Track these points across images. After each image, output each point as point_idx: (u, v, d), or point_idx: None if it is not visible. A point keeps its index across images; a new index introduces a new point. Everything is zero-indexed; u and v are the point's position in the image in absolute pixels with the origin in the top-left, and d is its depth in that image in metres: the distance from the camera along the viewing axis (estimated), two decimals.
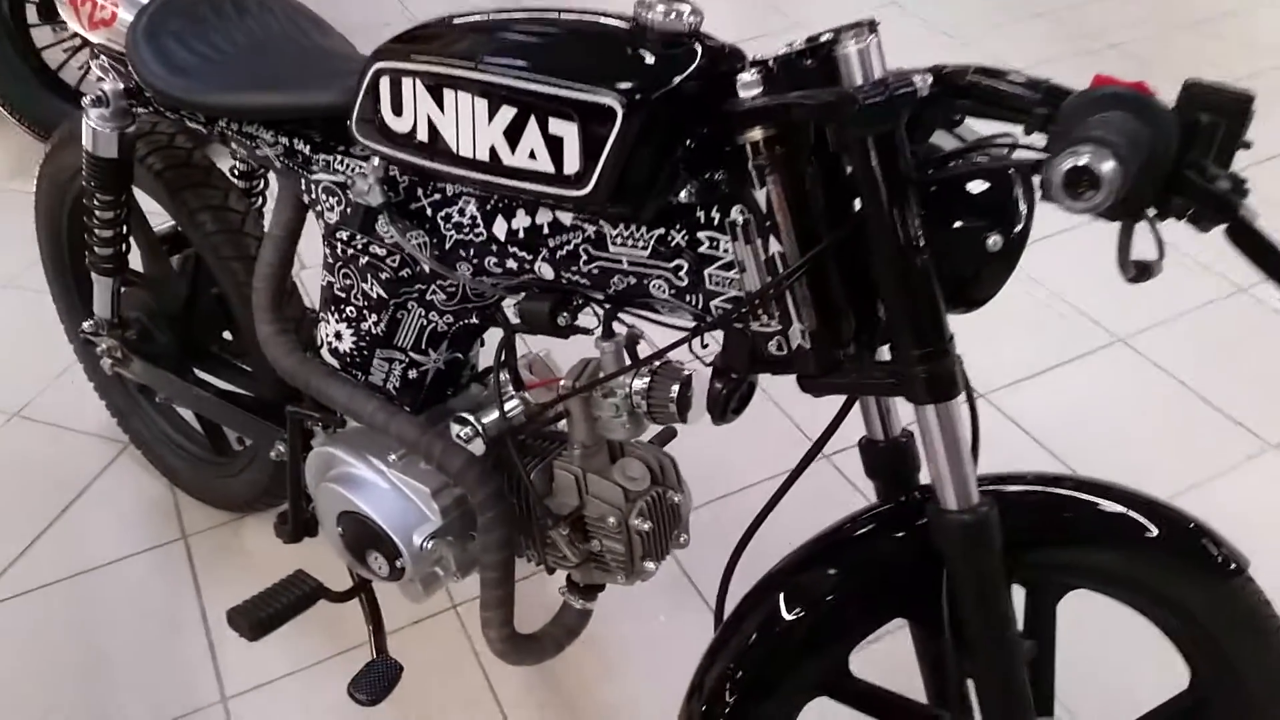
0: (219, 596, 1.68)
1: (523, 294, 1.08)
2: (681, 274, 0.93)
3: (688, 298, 0.94)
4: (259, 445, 1.58)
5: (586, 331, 1.06)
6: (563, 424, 1.14)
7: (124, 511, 1.84)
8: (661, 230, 0.93)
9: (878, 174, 0.78)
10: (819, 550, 1.01)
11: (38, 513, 1.83)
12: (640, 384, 1.02)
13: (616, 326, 1.05)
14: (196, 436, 1.80)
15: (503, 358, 1.12)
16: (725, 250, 0.90)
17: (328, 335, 1.22)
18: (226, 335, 1.67)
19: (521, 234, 1.01)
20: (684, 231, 0.91)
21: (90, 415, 2.00)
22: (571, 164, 0.87)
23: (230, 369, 1.60)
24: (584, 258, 0.98)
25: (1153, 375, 2.06)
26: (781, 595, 0.99)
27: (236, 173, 1.55)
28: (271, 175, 1.26)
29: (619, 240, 0.95)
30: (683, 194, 0.88)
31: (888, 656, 1.16)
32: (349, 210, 1.13)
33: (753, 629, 0.99)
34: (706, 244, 0.90)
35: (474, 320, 1.17)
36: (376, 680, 1.19)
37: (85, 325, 1.57)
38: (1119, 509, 0.94)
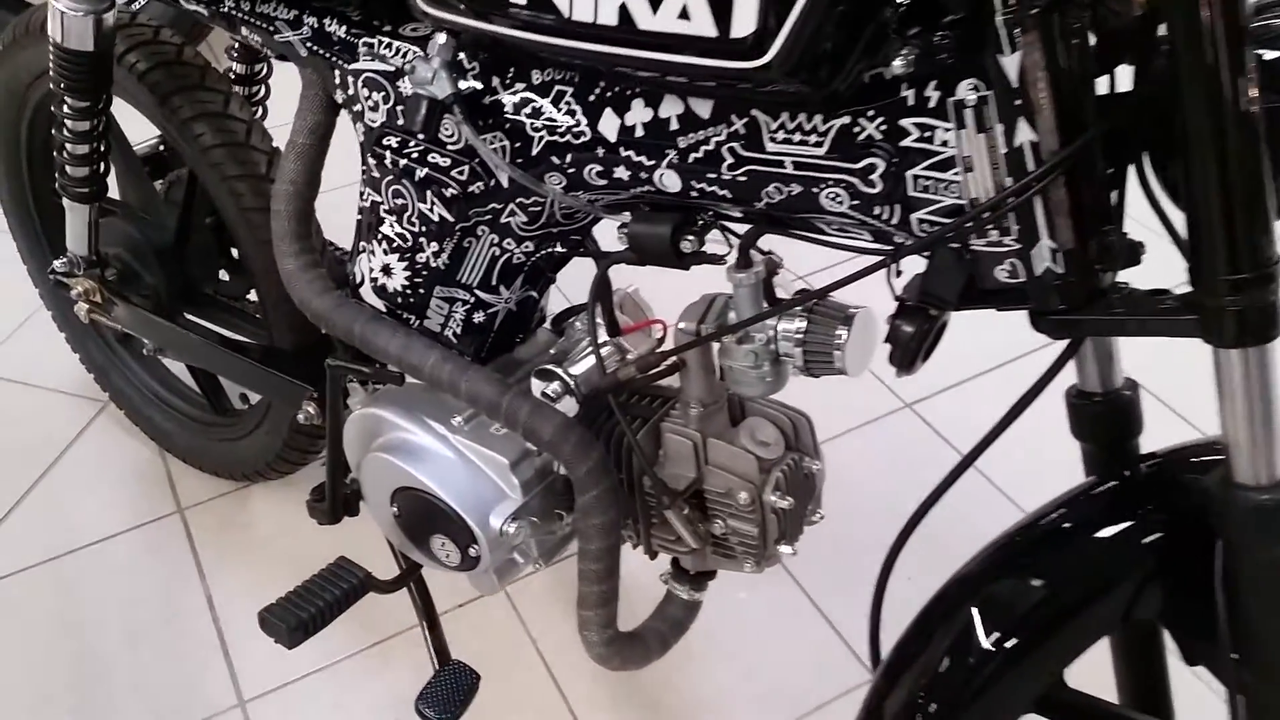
0: (226, 580, 1.47)
1: (626, 213, 0.86)
2: (873, 177, 0.72)
3: (876, 210, 0.73)
4: (272, 405, 1.36)
5: (716, 260, 0.85)
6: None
7: (108, 481, 1.62)
8: (847, 119, 0.71)
9: (1209, 12, 0.56)
10: (1021, 547, 0.82)
11: (8, 485, 1.62)
12: (793, 326, 0.82)
13: (753, 253, 0.84)
14: (190, 394, 1.58)
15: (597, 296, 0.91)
16: (942, 143, 0.68)
17: (371, 270, 1.00)
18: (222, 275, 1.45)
19: (640, 132, 0.80)
20: (881, 119, 0.70)
21: (61, 370, 1.77)
22: (744, 22, 0.65)
23: (230, 314, 1.37)
24: (728, 161, 0.77)
25: None
26: (975, 610, 0.80)
27: (233, 75, 1.31)
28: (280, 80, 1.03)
29: (783, 134, 0.74)
30: (896, 62, 0.66)
31: None
32: (403, 108, 0.90)
33: (941, 652, 0.80)
34: (915, 135, 0.69)
35: (557, 249, 0.96)
36: (449, 693, 0.99)
37: (56, 264, 1.34)
38: None
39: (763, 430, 0.92)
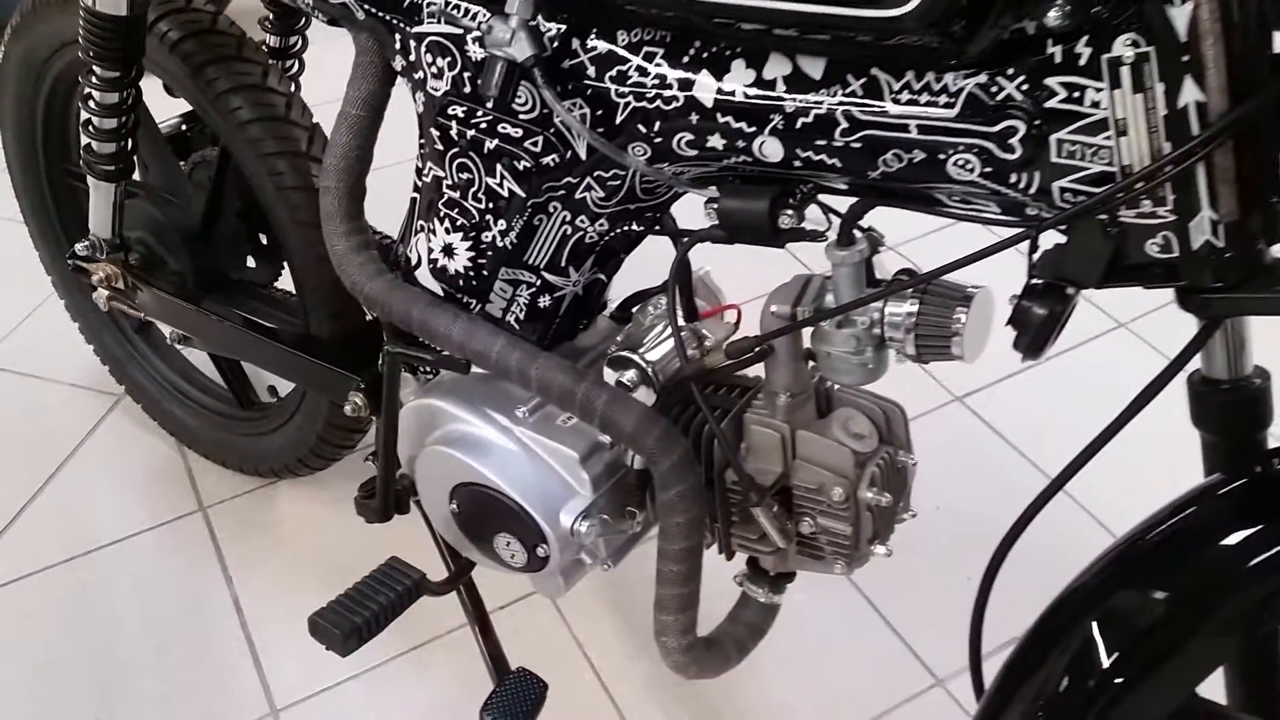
0: (253, 581, 1.42)
1: (712, 187, 0.81)
2: (1011, 142, 0.66)
3: (1012, 178, 0.68)
4: (306, 397, 1.30)
5: (815, 237, 0.79)
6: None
7: (125, 478, 1.56)
8: (983, 78, 0.66)
9: None
10: (1141, 555, 0.76)
11: (19, 482, 1.55)
12: (903, 309, 0.76)
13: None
14: (213, 387, 1.52)
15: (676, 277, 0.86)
16: (1093, 104, 0.63)
17: (431, 251, 0.94)
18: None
19: (740, 95, 0.74)
20: (1023, 78, 0.64)
21: (72, 362, 1.71)
22: None
23: (260, 300, 1.31)
24: (842, 126, 0.71)
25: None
26: (1094, 626, 0.75)
27: (265, 49, 1.25)
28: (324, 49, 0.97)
29: (908, 95, 0.68)
30: (1052, 14, 0.61)
31: None
32: (470, 74, 0.84)
33: (1059, 670, 0.75)
34: (1061, 95, 0.64)
35: (632, 227, 0.90)
36: (516, 704, 0.93)
37: (77, 248, 1.27)
38: None
39: (856, 421, 0.87)
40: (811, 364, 0.88)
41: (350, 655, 0.96)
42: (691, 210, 0.92)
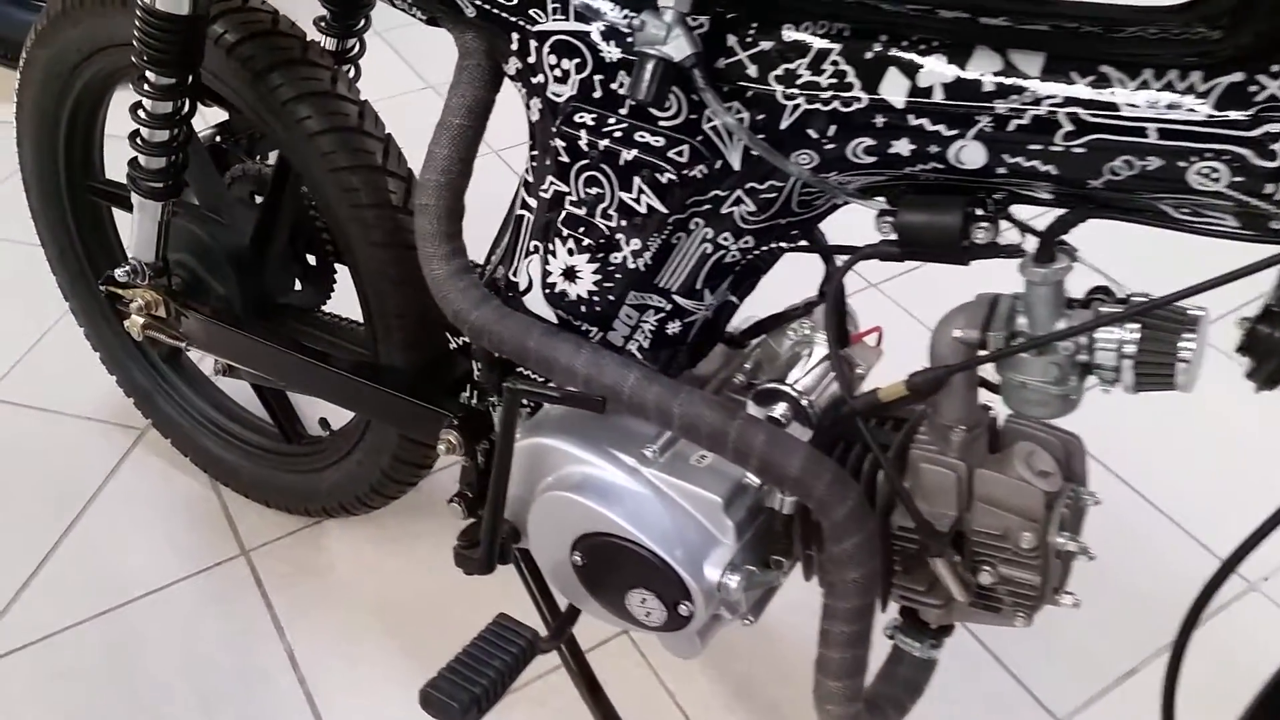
0: (307, 632, 1.33)
1: (880, 198, 0.74)
2: (1274, 148, 0.59)
3: (1268, 189, 0.61)
4: (368, 431, 1.22)
5: (1011, 253, 0.72)
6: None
7: (156, 521, 1.47)
8: (1239, 75, 0.59)
9: None
10: None
11: (39, 528, 1.46)
12: (1117, 335, 0.69)
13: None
14: (253, 420, 1.43)
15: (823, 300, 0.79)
16: None
17: (548, 274, 0.86)
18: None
19: (939, 95, 0.67)
20: None
21: (86, 395, 1.62)
22: None
23: (317, 326, 1.23)
24: (1065, 129, 0.64)
25: None
26: None
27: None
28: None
29: (1147, 95, 0.62)
30: None
31: None
32: (607, 76, 0.77)
33: None
34: None
35: (779, 244, 0.83)
36: None
37: (117, 274, 1.18)
38: None
39: (1039, 457, 0.80)
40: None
41: (417, 710, 0.88)
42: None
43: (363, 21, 1.18)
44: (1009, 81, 0.65)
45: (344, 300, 1.33)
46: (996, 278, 0.80)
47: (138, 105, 1.04)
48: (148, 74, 1.01)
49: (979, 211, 0.71)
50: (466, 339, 1.06)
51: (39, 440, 1.58)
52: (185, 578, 1.39)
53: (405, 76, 2.34)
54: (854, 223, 0.85)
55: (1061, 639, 1.34)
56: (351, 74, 1.21)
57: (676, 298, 0.85)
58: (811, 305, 0.86)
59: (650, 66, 0.72)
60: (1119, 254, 1.45)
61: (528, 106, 0.85)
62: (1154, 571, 1.40)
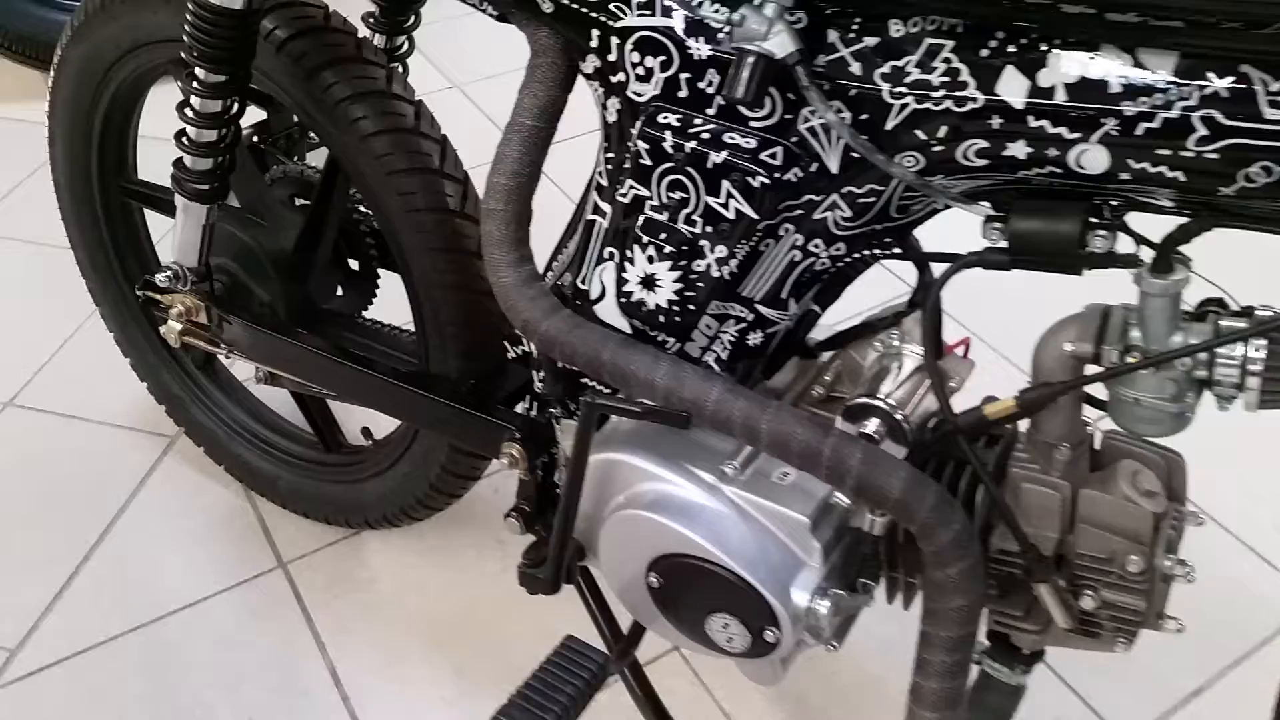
0: (350, 649, 1.29)
1: (984, 203, 0.71)
2: None
3: None
4: (415, 440, 1.19)
5: (1129, 262, 0.69)
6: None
7: (188, 531, 1.43)
8: None
9: None
10: None
11: (70, 539, 1.42)
12: (1240, 351, 0.66)
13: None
14: (290, 429, 1.40)
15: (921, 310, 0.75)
16: None
17: (624, 282, 0.83)
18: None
19: (1062, 95, 0.64)
20: None
21: (115, 401, 1.59)
22: None
23: (362, 333, 1.19)
24: (1199, 133, 0.61)
25: None
26: None
27: None
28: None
29: None
30: None
31: None
32: (695, 74, 0.74)
33: None
34: None
35: (871, 251, 0.79)
36: None
37: (159, 278, 1.15)
38: None
39: (1144, 477, 0.76)
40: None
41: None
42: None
43: (412, 18, 1.14)
44: (1138, 82, 0.62)
45: (381, 307, 1.32)
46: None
47: (184, 104, 1.00)
48: (197, 70, 0.97)
49: (1102, 218, 0.67)
50: (527, 349, 1.03)
51: (65, 448, 1.55)
52: (221, 591, 1.36)
53: (431, 76, 2.31)
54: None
55: (1126, 657, 1.30)
56: (401, 72, 1.17)
57: (760, 307, 0.82)
58: (901, 315, 0.82)
59: (750, 64, 0.68)
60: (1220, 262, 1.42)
61: (604, 107, 0.82)
62: (1219, 589, 1.36)
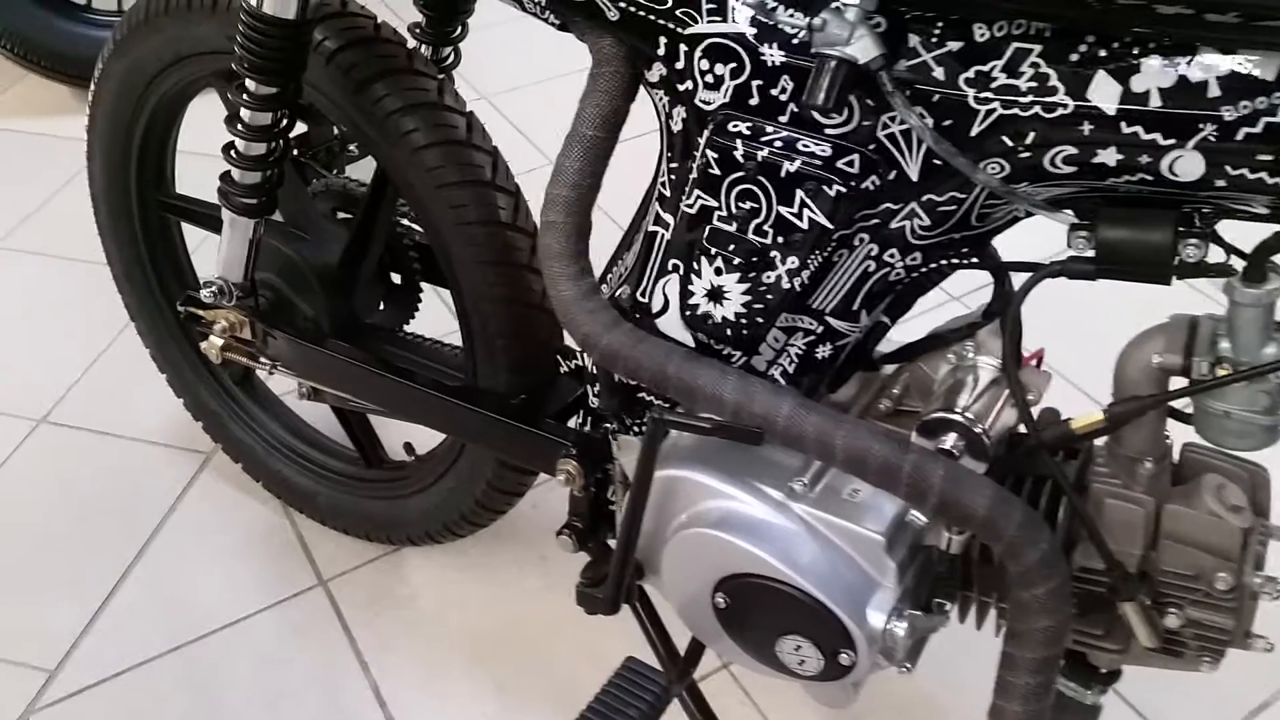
0: (393, 667, 1.28)
1: (1067, 211, 0.69)
2: None
3: None
4: (461, 456, 1.17)
5: (1222, 271, 0.67)
6: None
7: (226, 549, 1.42)
8: None
9: None
10: None
11: (107, 558, 1.41)
12: None
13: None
14: (330, 444, 1.39)
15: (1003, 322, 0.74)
16: None
17: (689, 294, 0.81)
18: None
19: (1157, 100, 0.62)
20: None
21: (149, 417, 1.58)
22: None
23: (407, 348, 1.18)
24: None
25: None
26: None
27: None
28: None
29: None
30: None
31: None
32: (767, 81, 0.72)
33: None
34: None
35: (948, 261, 0.78)
36: None
37: (203, 294, 1.14)
38: None
39: (1230, 491, 0.74)
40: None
41: None
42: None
43: (460, 29, 1.13)
44: (1239, 85, 0.60)
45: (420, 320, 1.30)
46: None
47: (233, 116, 0.99)
48: (248, 83, 0.96)
49: (1193, 226, 0.66)
50: (581, 363, 1.02)
51: (100, 465, 1.54)
52: (261, 610, 1.34)
53: (458, 87, 2.30)
54: None
55: (1191, 676, 1.28)
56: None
57: (830, 319, 0.80)
58: (975, 326, 0.80)
59: (831, 69, 0.67)
60: None
61: (669, 115, 0.80)
62: None
